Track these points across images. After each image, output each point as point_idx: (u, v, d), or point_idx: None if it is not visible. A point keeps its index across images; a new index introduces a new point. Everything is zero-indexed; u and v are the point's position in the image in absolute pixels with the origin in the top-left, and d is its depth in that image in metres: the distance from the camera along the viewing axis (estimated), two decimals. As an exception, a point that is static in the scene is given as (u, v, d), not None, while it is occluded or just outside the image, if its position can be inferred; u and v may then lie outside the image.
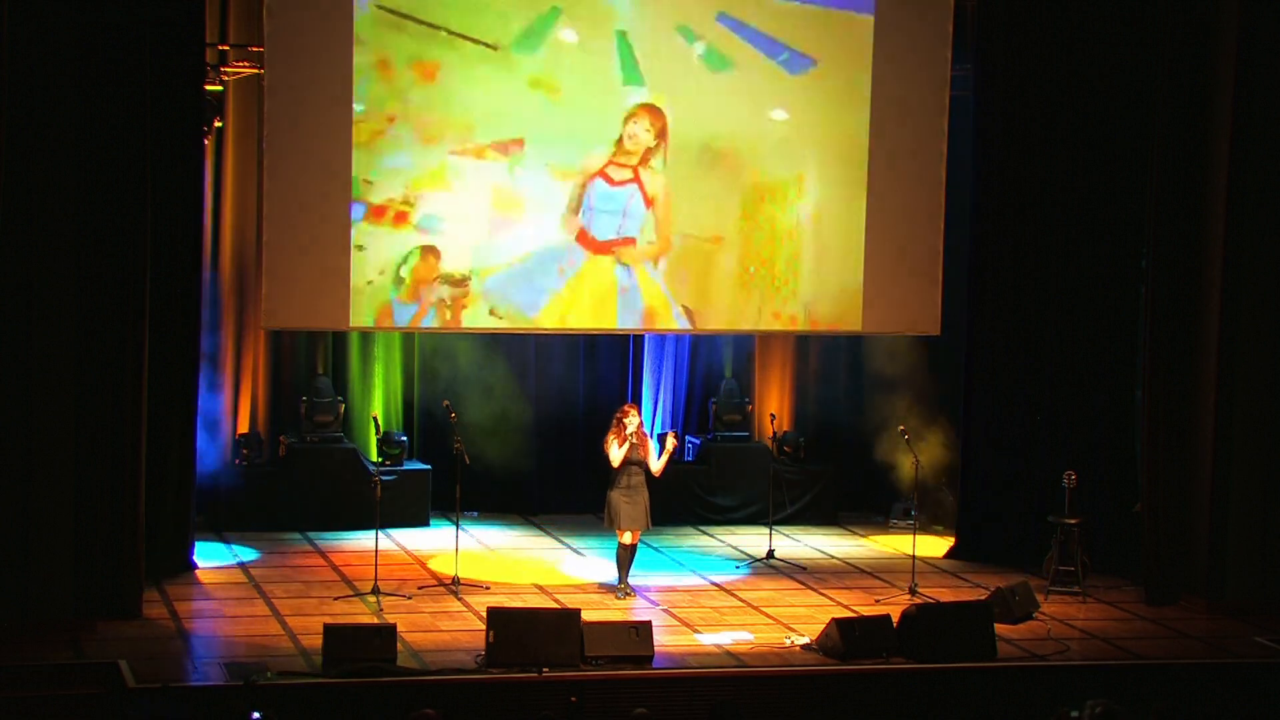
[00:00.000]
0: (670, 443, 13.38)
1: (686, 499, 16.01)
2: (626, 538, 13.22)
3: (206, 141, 14.22)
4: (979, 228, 14.95)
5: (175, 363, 13.19)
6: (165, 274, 12.86)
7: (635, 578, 13.50)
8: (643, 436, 13.27)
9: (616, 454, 13.11)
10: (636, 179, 14.59)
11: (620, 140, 14.52)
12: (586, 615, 11.68)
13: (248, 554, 14.35)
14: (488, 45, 14.12)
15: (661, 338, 16.75)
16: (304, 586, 13.41)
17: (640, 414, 13.49)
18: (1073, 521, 13.81)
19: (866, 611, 12.69)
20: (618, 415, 13.27)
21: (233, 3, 15.05)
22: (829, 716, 11.25)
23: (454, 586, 13.32)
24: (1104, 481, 14.77)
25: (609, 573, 13.67)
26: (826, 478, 16.71)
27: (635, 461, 13.19)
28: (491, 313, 14.37)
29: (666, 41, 14.52)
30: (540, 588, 13.57)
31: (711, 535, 15.90)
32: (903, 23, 14.83)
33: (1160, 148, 14.00)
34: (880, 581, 14.15)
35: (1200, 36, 13.87)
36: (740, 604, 13.30)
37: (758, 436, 16.88)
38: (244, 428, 15.76)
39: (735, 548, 15.29)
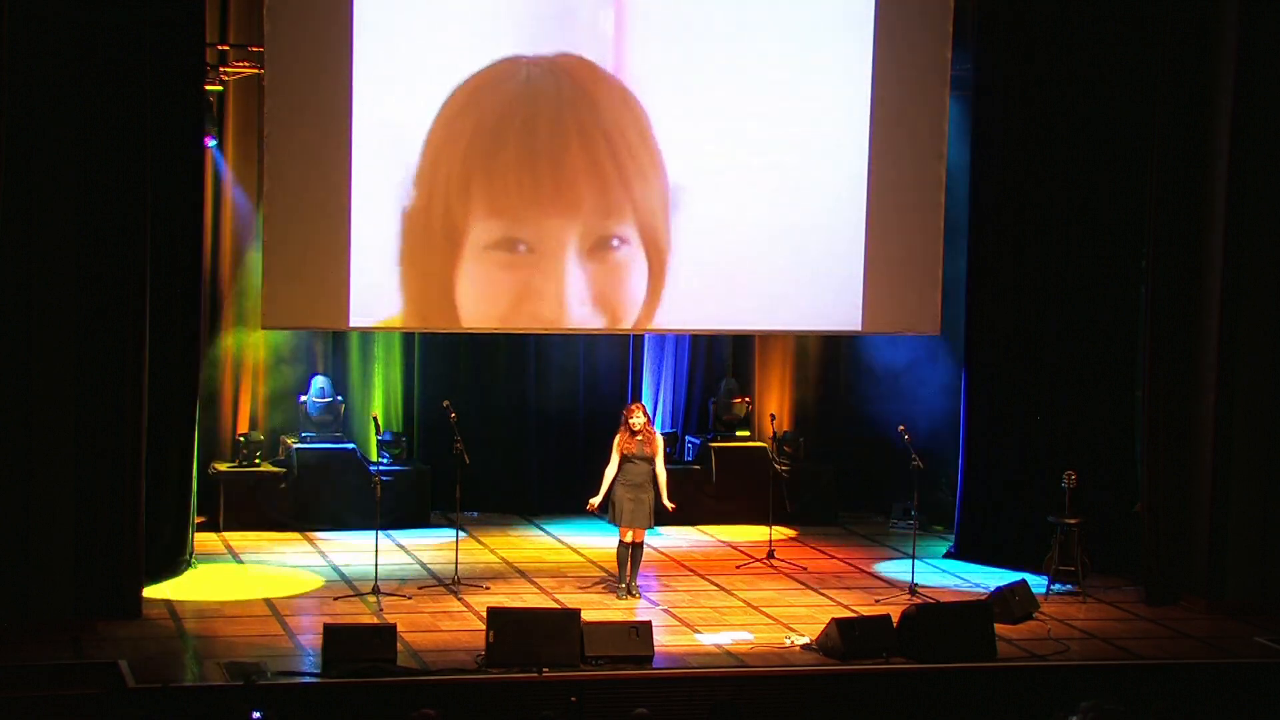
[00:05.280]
0: (669, 506, 13.49)
1: (686, 499, 15.98)
2: (628, 536, 13.21)
3: (207, 143, 14.23)
4: (979, 228, 14.96)
5: (175, 363, 13.17)
6: (165, 274, 12.85)
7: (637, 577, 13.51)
8: (650, 433, 13.26)
9: (612, 465, 13.15)
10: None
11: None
12: (586, 615, 11.67)
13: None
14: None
15: (661, 337, 16.76)
16: (304, 586, 13.41)
17: (645, 412, 13.46)
18: (1073, 521, 13.80)
19: (866, 611, 12.68)
20: (624, 414, 13.27)
21: (233, 3, 15.05)
22: (829, 716, 11.25)
23: (454, 586, 13.32)
24: (1104, 481, 14.76)
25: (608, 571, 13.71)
26: (826, 478, 16.71)
27: (642, 458, 13.18)
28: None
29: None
30: (540, 587, 13.57)
31: (711, 535, 15.90)
32: (903, 23, 14.82)
33: (1160, 148, 13.99)
34: (880, 581, 14.15)
35: (1200, 36, 13.86)
36: (740, 604, 13.29)
37: (758, 436, 16.88)
38: (244, 428, 15.76)
39: (735, 548, 15.29)
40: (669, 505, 13.47)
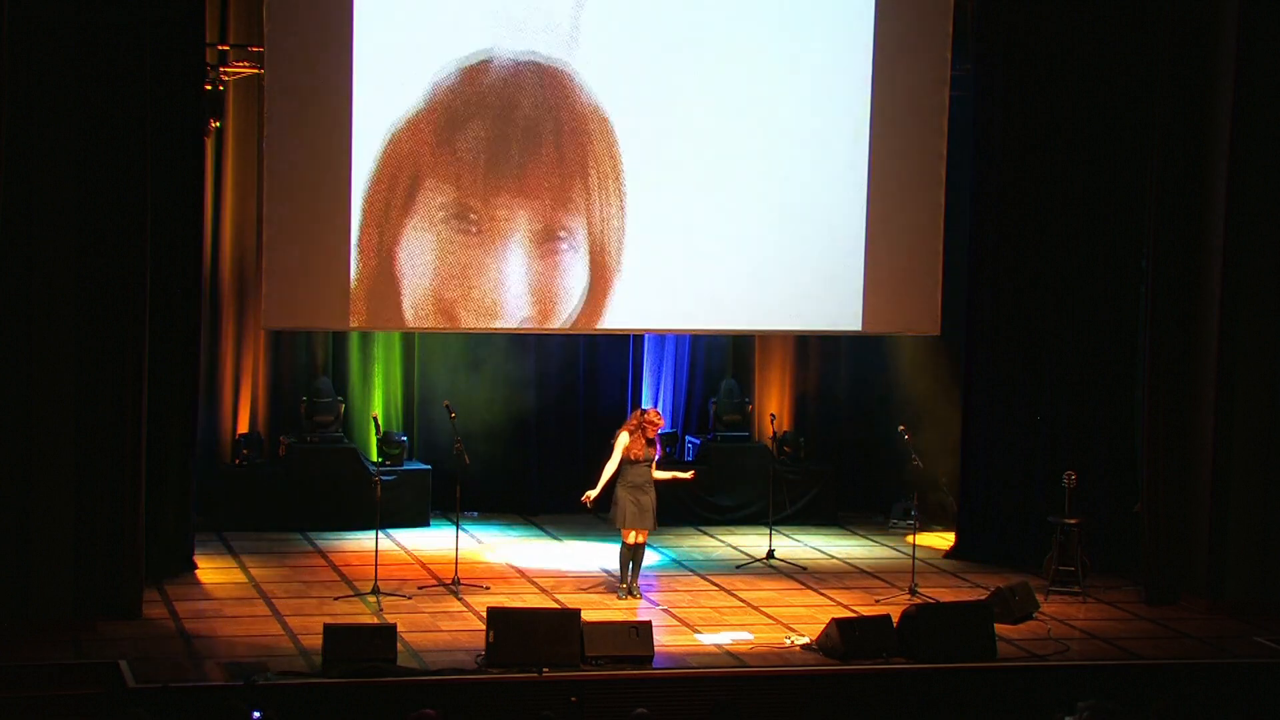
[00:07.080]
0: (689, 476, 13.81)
1: (686, 499, 15.99)
2: (631, 537, 13.20)
3: (207, 140, 14.22)
4: (979, 228, 14.96)
5: (175, 363, 13.18)
6: (165, 274, 12.85)
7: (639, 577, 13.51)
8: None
9: (614, 462, 13.12)
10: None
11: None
12: (586, 615, 11.67)
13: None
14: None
15: (661, 338, 16.76)
16: (304, 586, 13.42)
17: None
18: (1073, 521, 13.80)
19: (866, 611, 12.68)
20: (644, 419, 13.18)
21: (233, 3, 15.06)
22: (829, 716, 11.25)
23: (454, 586, 13.33)
24: (1104, 481, 14.77)
25: (609, 570, 13.69)
26: (826, 478, 16.71)
27: (645, 461, 13.18)
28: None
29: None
30: (540, 587, 13.57)
31: (711, 535, 15.90)
32: (902, 23, 14.83)
33: (1160, 147, 14.00)
34: (880, 581, 14.15)
35: (1200, 36, 13.87)
36: (740, 604, 13.29)
37: (758, 436, 16.88)
38: (244, 428, 15.76)
39: (735, 548, 15.29)
40: (689, 475, 13.79)
